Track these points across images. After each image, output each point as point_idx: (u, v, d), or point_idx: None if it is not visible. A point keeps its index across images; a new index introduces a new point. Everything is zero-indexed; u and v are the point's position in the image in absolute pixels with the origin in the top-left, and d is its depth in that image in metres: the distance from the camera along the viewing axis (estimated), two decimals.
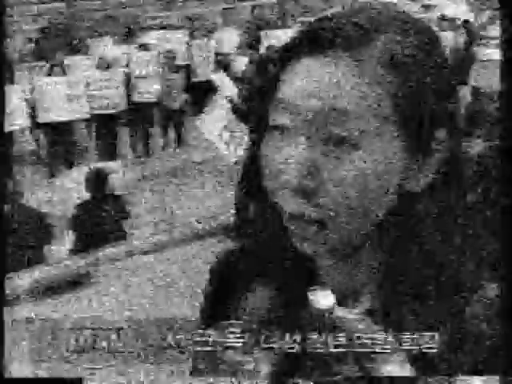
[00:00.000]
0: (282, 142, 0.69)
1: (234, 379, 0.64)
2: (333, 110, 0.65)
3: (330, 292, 0.61)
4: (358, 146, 0.66)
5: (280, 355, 0.64)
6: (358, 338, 0.60)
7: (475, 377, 0.64)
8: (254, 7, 13.99)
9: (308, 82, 0.67)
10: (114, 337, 0.80)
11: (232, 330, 0.64)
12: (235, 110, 5.94)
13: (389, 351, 0.60)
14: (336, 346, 0.60)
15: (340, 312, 0.61)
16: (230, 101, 6.03)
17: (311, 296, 0.60)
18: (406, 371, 0.61)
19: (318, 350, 0.61)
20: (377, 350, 0.60)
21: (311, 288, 0.61)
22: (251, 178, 0.74)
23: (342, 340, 0.60)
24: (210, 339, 0.64)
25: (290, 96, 0.68)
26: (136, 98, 9.31)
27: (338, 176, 0.66)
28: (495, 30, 9.86)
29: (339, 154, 0.66)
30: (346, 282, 0.74)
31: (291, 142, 0.68)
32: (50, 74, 8.95)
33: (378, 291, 0.71)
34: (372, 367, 0.59)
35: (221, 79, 7.71)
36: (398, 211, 0.70)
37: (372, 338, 0.60)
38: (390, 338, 0.61)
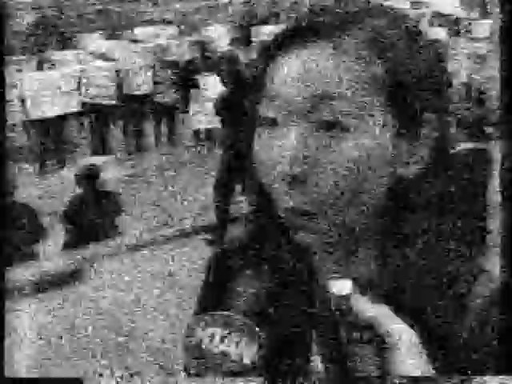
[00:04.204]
0: (273, 134, 0.70)
1: (219, 372, 0.64)
2: (320, 95, 0.67)
3: (348, 280, 0.62)
4: (348, 129, 0.67)
5: (267, 346, 0.65)
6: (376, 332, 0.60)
7: (491, 377, 0.64)
8: (245, 2, 13.98)
9: (294, 72, 0.68)
10: (110, 335, 0.80)
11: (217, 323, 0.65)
12: (218, 112, 5.91)
13: (407, 342, 0.59)
14: (352, 341, 0.60)
15: (357, 299, 0.61)
16: (214, 104, 5.99)
17: (331, 284, 0.61)
18: (425, 364, 0.59)
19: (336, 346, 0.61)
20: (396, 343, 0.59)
21: (330, 277, 0.62)
22: (246, 173, 0.75)
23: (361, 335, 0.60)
24: (197, 335, 0.65)
25: (276, 88, 0.70)
26: (127, 91, 9.28)
27: (331, 160, 0.67)
28: (485, 26, 9.95)
29: (330, 138, 0.67)
30: (351, 270, 0.74)
31: (283, 133, 0.69)
32: (39, 69, 8.90)
33: (387, 279, 0.71)
34: (390, 359, 0.59)
35: (207, 81, 7.71)
36: (392, 197, 0.71)
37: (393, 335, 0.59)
38: (409, 329, 0.60)
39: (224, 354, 0.64)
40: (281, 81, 0.69)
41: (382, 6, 0.73)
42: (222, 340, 0.64)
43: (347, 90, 0.66)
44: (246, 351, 0.64)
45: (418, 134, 0.70)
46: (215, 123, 6.35)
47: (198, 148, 9.17)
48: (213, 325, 0.65)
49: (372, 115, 0.67)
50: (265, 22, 12.67)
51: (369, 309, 0.60)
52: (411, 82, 0.69)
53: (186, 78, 9.56)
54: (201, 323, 0.66)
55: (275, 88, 0.70)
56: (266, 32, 10.80)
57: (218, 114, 5.90)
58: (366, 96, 0.67)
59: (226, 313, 0.67)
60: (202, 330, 0.65)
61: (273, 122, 0.70)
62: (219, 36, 11.41)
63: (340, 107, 0.66)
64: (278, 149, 0.68)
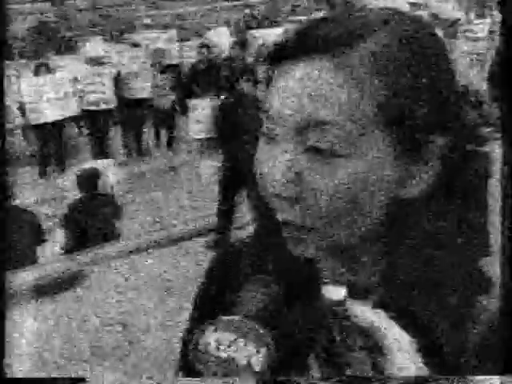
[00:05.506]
0: (271, 150, 0.69)
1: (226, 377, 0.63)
2: (312, 122, 0.65)
3: (342, 286, 0.61)
4: (338, 155, 0.65)
5: (274, 350, 0.64)
6: (369, 334, 0.60)
7: (491, 377, 0.63)
8: (246, 6, 13.97)
9: (290, 90, 0.67)
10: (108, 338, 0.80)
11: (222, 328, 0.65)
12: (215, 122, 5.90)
13: (403, 348, 0.59)
14: (348, 347, 0.60)
15: (352, 304, 0.61)
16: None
17: (324, 290, 0.61)
18: (420, 370, 0.59)
19: (329, 349, 0.61)
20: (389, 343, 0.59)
21: (324, 282, 0.62)
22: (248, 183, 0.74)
23: (356, 340, 0.60)
24: (204, 340, 0.65)
25: (275, 106, 0.68)
26: (126, 95, 9.27)
27: (320, 184, 0.66)
28: (482, 26, 9.96)
29: (321, 163, 0.66)
30: (352, 277, 0.73)
31: (278, 150, 0.68)
32: (37, 74, 8.89)
33: (385, 285, 0.70)
34: (385, 365, 0.59)
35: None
36: (394, 216, 0.69)
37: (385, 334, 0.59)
38: (405, 335, 0.60)
39: (231, 360, 0.63)
40: (278, 98, 0.68)
41: (394, 18, 0.68)
42: (229, 345, 0.64)
43: (343, 117, 0.64)
44: (253, 357, 0.63)
45: (427, 155, 0.67)
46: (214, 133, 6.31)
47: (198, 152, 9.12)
48: (220, 330, 0.65)
49: (369, 141, 0.65)
50: (263, 25, 12.65)
51: (365, 314, 0.60)
52: (415, 105, 0.65)
53: (187, 83, 9.54)
54: (208, 328, 0.65)
55: (273, 105, 0.68)
56: (264, 35, 10.78)
57: (215, 124, 5.88)
58: (364, 122, 0.64)
59: (234, 318, 0.66)
60: (209, 334, 0.65)
61: (271, 137, 0.69)
62: (221, 40, 11.36)
63: (332, 135, 0.64)
64: (272, 165, 0.68)
